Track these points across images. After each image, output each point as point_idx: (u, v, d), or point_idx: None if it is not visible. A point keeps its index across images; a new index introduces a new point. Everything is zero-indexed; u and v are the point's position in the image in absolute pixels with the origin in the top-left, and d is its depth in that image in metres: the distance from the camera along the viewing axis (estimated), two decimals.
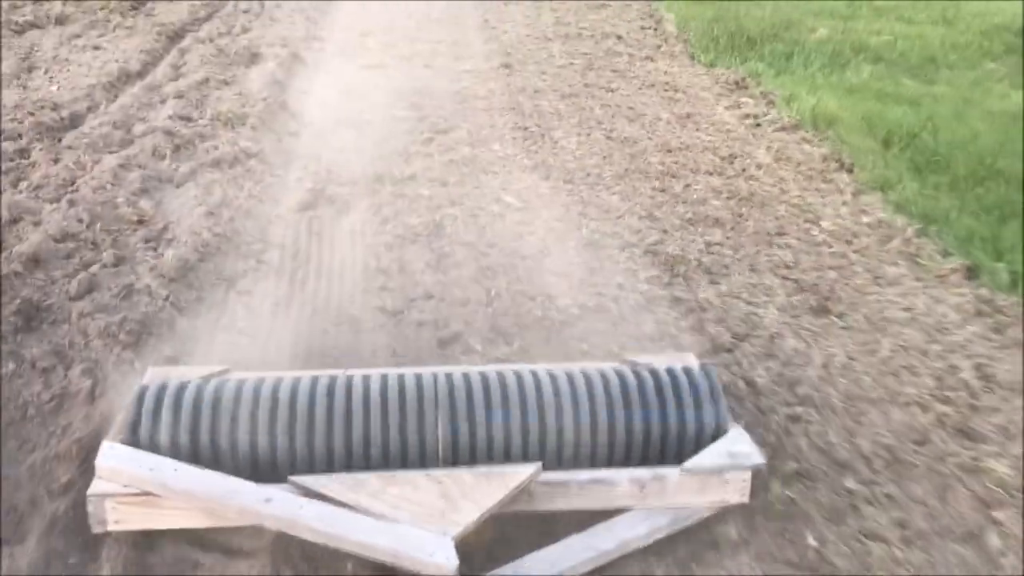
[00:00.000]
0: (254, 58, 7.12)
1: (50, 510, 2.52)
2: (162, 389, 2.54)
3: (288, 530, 2.27)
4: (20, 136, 4.90)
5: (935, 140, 6.08)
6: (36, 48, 6.86)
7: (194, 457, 2.45)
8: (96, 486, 2.37)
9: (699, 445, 2.64)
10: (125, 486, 2.36)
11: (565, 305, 3.89)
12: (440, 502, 2.32)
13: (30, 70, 6.29)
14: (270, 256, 4.20)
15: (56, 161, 4.67)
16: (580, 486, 2.53)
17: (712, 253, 4.41)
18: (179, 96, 5.92)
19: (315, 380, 2.61)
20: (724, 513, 2.66)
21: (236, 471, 2.42)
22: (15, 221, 3.96)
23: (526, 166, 5.51)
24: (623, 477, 2.56)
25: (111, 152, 4.87)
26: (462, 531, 2.23)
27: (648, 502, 2.56)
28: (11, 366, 3.04)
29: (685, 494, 2.57)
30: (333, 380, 2.61)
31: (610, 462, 2.63)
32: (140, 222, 4.16)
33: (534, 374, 2.71)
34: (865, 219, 4.90)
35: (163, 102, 5.85)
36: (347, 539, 2.20)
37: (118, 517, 2.37)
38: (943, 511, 2.78)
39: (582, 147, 5.87)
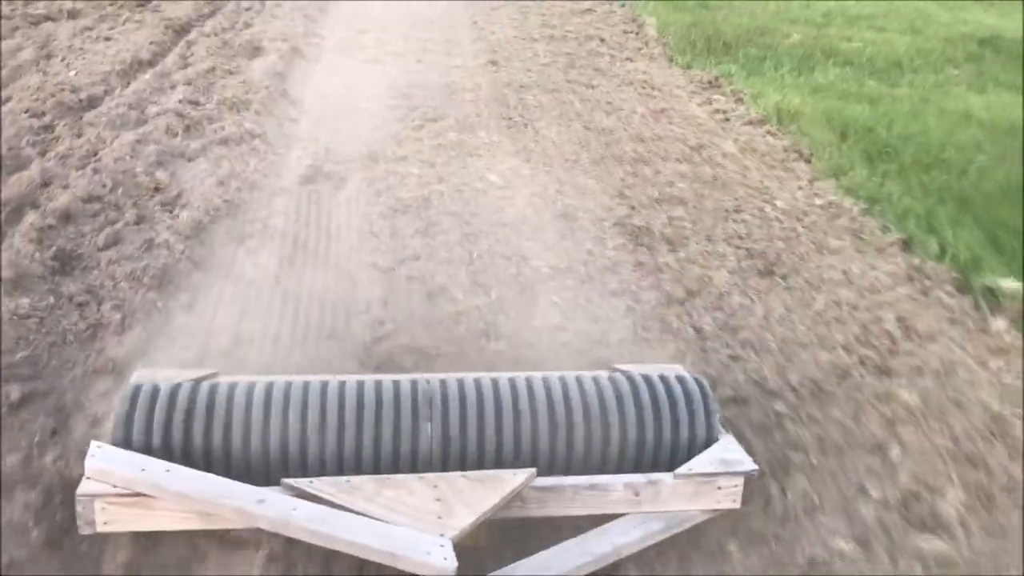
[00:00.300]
0: (256, 51, 7.57)
1: (91, 412, 2.95)
2: (154, 390, 2.52)
3: (282, 531, 2.25)
4: (44, 114, 5.33)
5: (888, 133, 6.58)
6: (52, 38, 7.29)
7: (186, 459, 2.43)
8: (85, 487, 2.32)
9: (691, 453, 2.66)
10: (115, 487, 2.31)
11: (538, 265, 4.35)
12: (435, 505, 2.30)
13: (48, 57, 6.73)
14: (274, 221, 4.64)
15: (79, 136, 5.11)
16: (575, 491, 2.52)
17: (674, 226, 4.87)
18: (188, 83, 6.37)
19: (307, 384, 2.59)
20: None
21: (228, 474, 2.40)
22: (46, 184, 4.41)
23: (509, 151, 5.97)
24: (618, 483, 2.55)
25: (128, 129, 5.32)
26: (457, 535, 2.21)
27: (642, 508, 2.56)
28: (51, 300, 3.47)
29: (679, 500, 2.58)
30: (326, 384, 2.60)
31: (603, 470, 2.63)
32: (157, 189, 4.60)
33: (528, 381, 2.71)
34: (817, 201, 5.38)
35: (173, 88, 6.30)
36: (342, 540, 2.18)
37: (108, 518, 2.32)
38: (854, 427, 3.25)
39: (562, 136, 6.33)
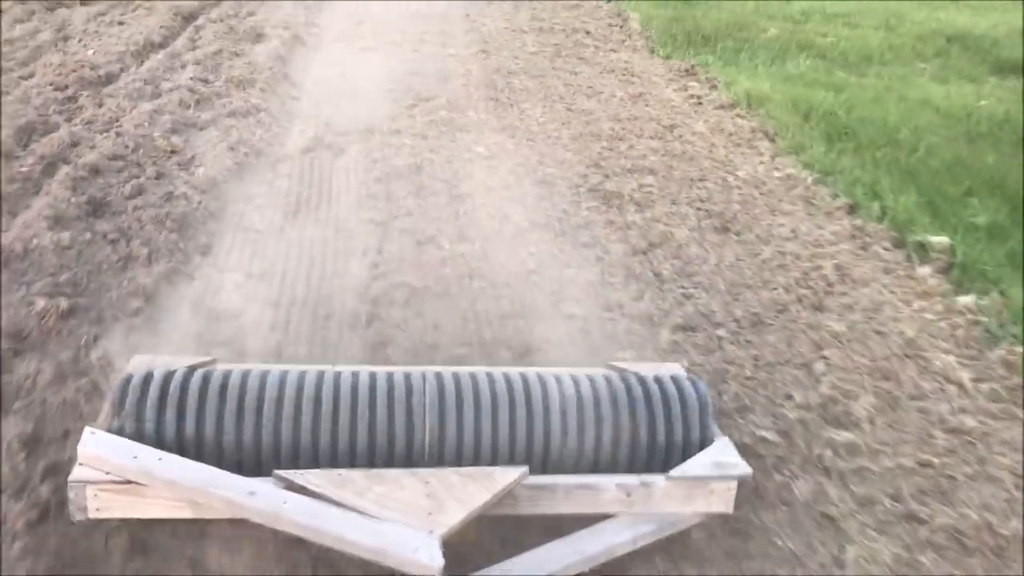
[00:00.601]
0: (259, 37, 8.05)
1: (126, 323, 3.44)
2: (148, 378, 2.51)
3: (272, 524, 2.25)
4: (67, 87, 5.81)
5: (848, 116, 7.08)
6: (68, 22, 7.78)
7: (179, 448, 2.43)
8: (77, 472, 2.34)
9: (686, 454, 2.65)
10: (107, 474, 2.32)
11: (519, 221, 4.84)
12: (426, 501, 2.29)
13: (66, 39, 7.21)
14: (280, 183, 5.12)
15: (100, 105, 5.59)
16: (567, 491, 2.51)
17: (643, 191, 5.36)
18: (197, 63, 6.85)
19: (303, 375, 2.59)
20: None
21: (221, 464, 2.40)
22: (74, 144, 4.89)
23: (495, 128, 6.45)
24: (610, 483, 2.54)
25: (144, 101, 5.79)
26: (447, 531, 2.21)
27: (634, 509, 2.54)
28: (87, 235, 3.95)
29: (671, 502, 2.56)
30: (321, 376, 2.59)
31: (596, 469, 2.62)
32: (173, 152, 5.08)
33: (523, 377, 2.69)
34: (776, 173, 5.87)
35: (183, 67, 6.78)
36: (331, 535, 2.19)
37: (99, 505, 2.33)
38: (786, 349, 3.74)
39: (545, 116, 6.81)
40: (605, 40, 9.67)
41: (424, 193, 5.14)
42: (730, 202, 5.26)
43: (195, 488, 2.29)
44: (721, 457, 2.62)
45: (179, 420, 2.45)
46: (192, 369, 2.61)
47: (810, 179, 5.68)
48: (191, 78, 6.44)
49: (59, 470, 2.62)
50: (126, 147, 4.94)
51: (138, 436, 2.42)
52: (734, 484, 2.58)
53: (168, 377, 2.53)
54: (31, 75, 6.13)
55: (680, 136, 6.51)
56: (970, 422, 3.34)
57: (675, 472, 2.56)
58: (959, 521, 2.85)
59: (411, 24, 9.68)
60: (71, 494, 2.33)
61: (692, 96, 7.63)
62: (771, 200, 5.36)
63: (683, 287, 4.22)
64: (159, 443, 2.42)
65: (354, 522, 2.21)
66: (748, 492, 2.79)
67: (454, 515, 2.26)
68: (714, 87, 7.87)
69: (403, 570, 2.13)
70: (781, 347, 3.77)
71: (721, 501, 2.59)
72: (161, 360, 2.72)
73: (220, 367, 2.70)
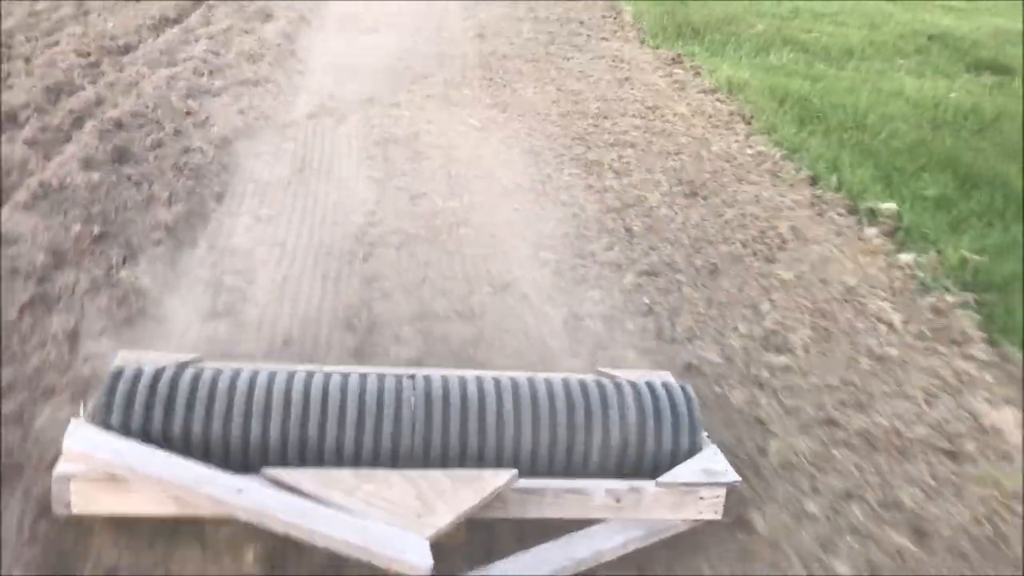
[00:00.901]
0: (268, 17, 8.50)
1: (150, 252, 3.88)
2: (137, 374, 2.49)
3: (259, 522, 2.22)
4: (90, 54, 6.26)
5: (821, 102, 7.53)
6: None
7: (166, 445, 2.40)
8: (61, 467, 2.31)
9: (675, 461, 2.65)
10: (92, 468, 2.29)
11: (506, 183, 5.28)
12: (415, 503, 2.29)
13: (86, 14, 7.65)
14: (286, 145, 5.56)
15: (121, 71, 6.04)
16: (556, 495, 2.51)
17: (622, 162, 5.81)
18: (210, 38, 7.30)
19: (292, 374, 2.58)
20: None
21: (208, 461, 2.38)
22: (99, 103, 5.33)
23: (488, 104, 6.90)
24: (599, 488, 2.54)
25: (162, 68, 6.24)
26: (435, 533, 2.20)
27: (623, 514, 2.56)
28: (113, 178, 4.40)
29: (660, 508, 2.58)
30: (311, 376, 2.58)
31: (585, 475, 2.61)
32: (188, 113, 5.52)
33: (513, 382, 2.69)
34: (748, 150, 6.32)
35: (197, 40, 7.22)
36: (318, 533, 2.17)
37: (82, 500, 2.30)
38: (737, 293, 4.19)
39: (536, 95, 7.26)
40: (598, 30, 10.12)
41: (419, 157, 5.58)
42: (701, 172, 5.71)
43: (180, 485, 2.26)
44: (710, 464, 2.64)
45: (167, 416, 2.43)
46: (181, 366, 2.59)
47: (778, 155, 6.13)
48: (204, 50, 6.88)
49: (96, 357, 3.06)
50: (146, 107, 5.38)
51: (125, 431, 2.39)
52: (723, 491, 2.60)
53: (157, 373, 2.50)
54: (56, 43, 6.57)
55: (662, 116, 6.95)
56: (893, 352, 3.79)
57: (665, 478, 2.58)
58: (871, 426, 3.29)
59: (412, 10, 10.13)
60: (54, 487, 2.30)
61: (676, 82, 8.07)
62: (740, 172, 5.80)
63: (650, 241, 4.66)
64: (146, 439, 2.38)
65: (342, 521, 2.20)
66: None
67: (443, 517, 2.25)
68: (698, 74, 8.32)
69: (392, 570, 2.12)
70: (733, 291, 4.21)
71: (710, 507, 2.61)
72: (150, 356, 2.69)
73: (209, 364, 2.69)
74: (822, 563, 2.65)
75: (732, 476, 2.63)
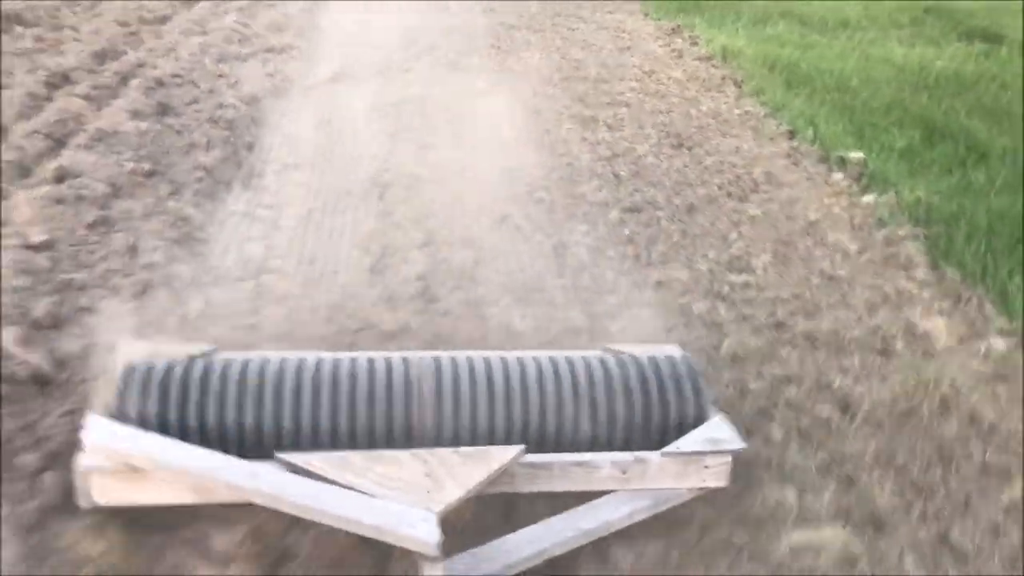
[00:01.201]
0: None
1: (192, 187, 4.47)
2: (151, 366, 2.56)
3: (274, 505, 2.29)
4: (130, 24, 6.85)
5: (809, 68, 8.00)
6: None
7: (182, 435, 2.46)
8: (82, 460, 2.36)
9: (680, 432, 2.70)
10: (112, 461, 2.36)
11: (508, 134, 5.82)
12: (424, 480, 2.34)
13: None
14: (309, 103, 6.13)
15: (159, 38, 6.62)
16: (562, 468, 2.56)
17: (616, 118, 6.33)
18: (239, 11, 7.87)
19: (303, 361, 2.65)
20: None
21: (222, 449, 2.45)
22: (141, 65, 5.92)
23: (495, 69, 7.43)
24: (605, 460, 2.59)
25: (195, 36, 6.82)
26: (445, 508, 2.27)
27: (630, 485, 2.60)
28: (158, 127, 4.98)
29: (666, 478, 2.62)
30: (320, 362, 2.66)
31: (593, 449, 2.66)
32: (220, 76, 6.10)
33: (520, 361, 2.75)
34: (736, 111, 6.81)
35: (227, 13, 7.80)
36: (332, 514, 2.24)
37: (104, 492, 2.37)
38: (709, 226, 4.72)
39: (540, 62, 7.77)
40: (603, 4, 10.59)
41: (428, 114, 6.12)
42: (689, 127, 6.22)
43: (199, 473, 2.34)
44: (715, 433, 2.68)
45: (182, 407, 2.49)
46: (195, 358, 2.66)
47: (762, 113, 6.64)
48: (234, 21, 7.45)
49: (153, 268, 3.65)
50: (183, 69, 5.96)
51: (142, 423, 2.46)
52: (728, 459, 2.65)
53: (171, 365, 2.57)
54: (98, 15, 7.16)
55: (657, 80, 7.46)
56: (843, 273, 4.31)
57: (669, 448, 2.63)
58: (815, 330, 3.82)
59: None
60: (77, 481, 2.38)
61: (674, 50, 8.56)
62: (725, 127, 6.31)
63: (636, 184, 5.19)
64: (162, 430, 2.46)
65: (354, 501, 2.28)
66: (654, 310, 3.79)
67: (452, 493, 2.31)
68: (695, 43, 8.81)
69: (402, 545, 2.22)
70: (706, 225, 4.74)
71: (715, 476, 2.65)
72: (160, 348, 2.73)
73: (222, 355, 2.73)
74: (760, 427, 3.18)
75: (737, 443, 2.66)
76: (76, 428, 2.49)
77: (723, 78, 7.66)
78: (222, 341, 2.91)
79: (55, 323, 3.18)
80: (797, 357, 3.63)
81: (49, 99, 5.15)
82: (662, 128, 6.18)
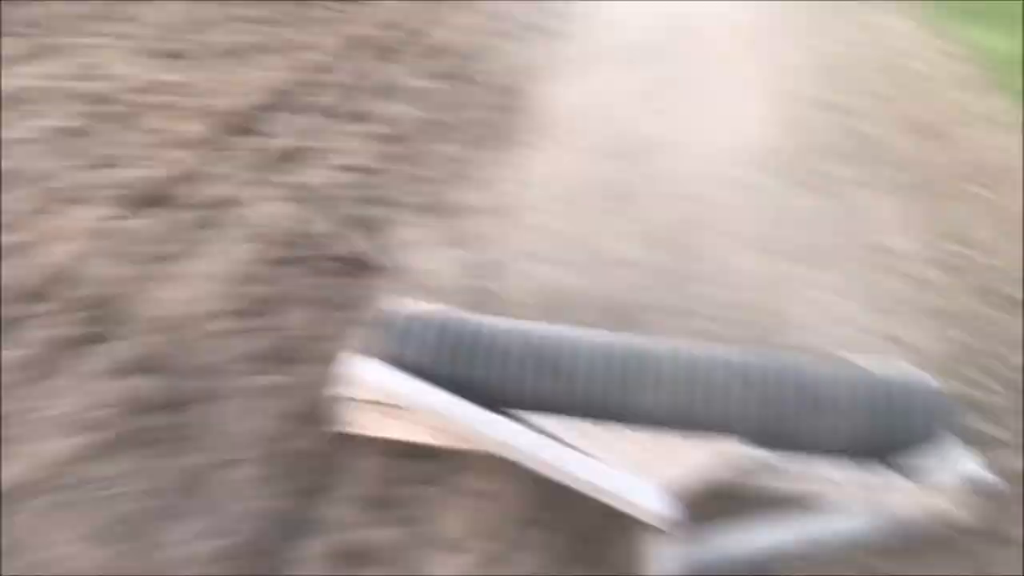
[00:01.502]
0: None
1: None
2: (414, 316, 2.71)
3: (523, 462, 2.42)
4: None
5: None
6: None
7: (436, 382, 2.58)
8: (341, 389, 2.57)
9: (913, 450, 2.61)
10: (368, 393, 2.54)
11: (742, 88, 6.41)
12: (662, 462, 2.43)
13: None
14: (591, 59, 6.91)
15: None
16: (802, 475, 2.56)
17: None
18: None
19: (561, 334, 2.72)
20: None
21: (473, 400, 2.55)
22: (417, 34, 7.20)
23: (751, 57, 7.81)
24: (843, 474, 2.57)
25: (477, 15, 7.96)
26: (681, 489, 2.35)
27: (866, 502, 2.55)
28: (447, 87, 6.02)
29: (909, 504, 2.55)
30: (583, 335, 2.72)
31: (824, 456, 2.61)
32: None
33: (763, 367, 2.68)
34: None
35: None
36: (576, 478, 2.35)
37: (356, 420, 2.58)
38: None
39: (790, 51, 8.11)
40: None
41: (692, 83, 6.76)
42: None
43: (451, 419, 2.49)
44: (966, 467, 2.56)
45: (438, 356, 2.61)
46: (456, 313, 2.81)
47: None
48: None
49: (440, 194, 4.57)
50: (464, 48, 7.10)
51: (401, 367, 2.61)
52: (980, 498, 2.53)
53: (428, 318, 2.71)
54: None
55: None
56: None
57: (917, 476, 2.55)
58: None
59: None
60: (334, 407, 2.60)
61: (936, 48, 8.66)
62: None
63: None
64: (420, 375, 2.59)
65: (600, 471, 2.39)
66: None
67: (683, 477, 2.40)
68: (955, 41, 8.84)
69: (640, 517, 2.31)
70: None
71: (960, 510, 2.55)
72: (421, 305, 2.87)
73: (484, 318, 2.81)
74: None
75: (992, 481, 2.53)
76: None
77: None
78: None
79: (369, 226, 4.12)
80: None
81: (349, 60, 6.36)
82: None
